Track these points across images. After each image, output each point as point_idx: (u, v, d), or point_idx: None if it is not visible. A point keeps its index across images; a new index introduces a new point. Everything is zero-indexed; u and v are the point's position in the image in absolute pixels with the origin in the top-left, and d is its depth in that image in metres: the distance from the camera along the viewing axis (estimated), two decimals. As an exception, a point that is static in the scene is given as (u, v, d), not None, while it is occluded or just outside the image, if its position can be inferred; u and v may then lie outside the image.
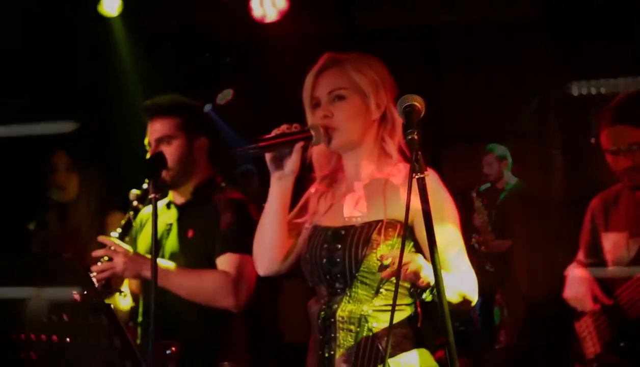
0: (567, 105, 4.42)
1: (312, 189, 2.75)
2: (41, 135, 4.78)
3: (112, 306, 2.18)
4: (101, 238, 3.26)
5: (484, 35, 4.59)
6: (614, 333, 3.57)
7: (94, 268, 3.20)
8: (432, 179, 2.41)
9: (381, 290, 2.48)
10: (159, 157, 3.03)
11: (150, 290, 3.21)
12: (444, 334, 2.05)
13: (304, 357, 2.63)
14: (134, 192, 3.37)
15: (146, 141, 3.52)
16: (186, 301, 3.32)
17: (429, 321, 2.47)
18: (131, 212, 3.35)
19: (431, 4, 4.70)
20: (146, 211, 3.53)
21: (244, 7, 5.01)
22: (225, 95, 4.38)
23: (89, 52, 5.23)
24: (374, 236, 2.48)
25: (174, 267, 3.32)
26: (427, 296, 2.31)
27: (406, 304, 2.52)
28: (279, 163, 2.62)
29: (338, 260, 2.50)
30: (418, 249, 2.50)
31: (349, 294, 2.50)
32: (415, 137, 2.13)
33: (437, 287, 2.08)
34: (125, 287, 3.56)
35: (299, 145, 2.58)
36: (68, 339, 2.33)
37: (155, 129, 3.47)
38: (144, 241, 3.49)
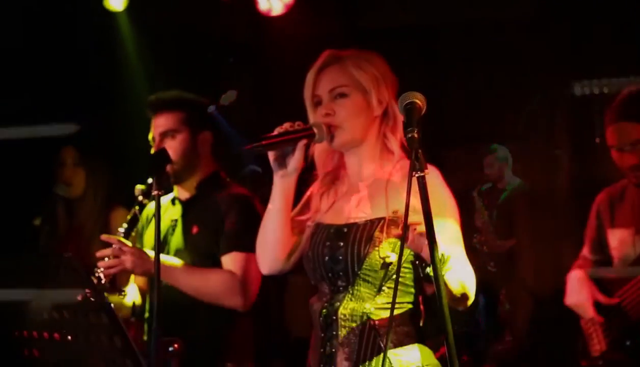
0: (571, 103, 4.41)
1: (315, 187, 2.74)
2: (48, 131, 4.80)
3: (112, 304, 2.19)
4: (105, 237, 3.26)
5: (485, 35, 4.57)
6: (619, 331, 3.56)
7: (101, 264, 3.20)
8: (433, 175, 2.41)
9: (383, 288, 2.47)
10: (162, 153, 3.02)
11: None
12: (444, 334, 2.05)
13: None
14: (139, 187, 3.38)
15: (150, 136, 3.52)
16: (193, 298, 3.32)
17: (431, 318, 2.45)
18: (137, 207, 3.36)
19: (434, 3, 4.68)
20: (152, 207, 3.53)
21: (250, 1, 5.01)
22: (229, 97, 4.37)
23: (94, 47, 5.24)
24: (376, 233, 2.47)
25: (181, 264, 3.33)
26: (431, 270, 2.26)
27: (408, 302, 2.50)
28: (281, 161, 2.61)
29: (340, 258, 2.50)
30: None
31: (351, 291, 2.50)
32: (415, 135, 2.12)
33: (437, 285, 2.07)
34: (132, 284, 3.56)
35: (301, 143, 2.57)
36: (69, 337, 2.34)
37: (159, 124, 3.48)
38: (150, 237, 3.49)
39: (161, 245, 3.46)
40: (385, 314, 2.45)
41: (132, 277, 3.59)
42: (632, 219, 3.65)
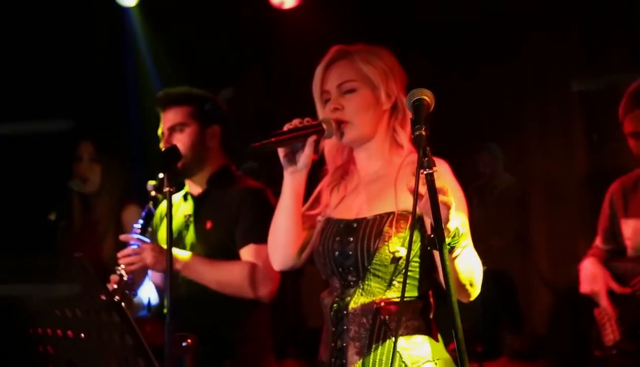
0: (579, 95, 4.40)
1: (325, 182, 2.75)
2: (60, 126, 4.83)
3: (123, 304, 2.21)
4: (124, 237, 3.29)
5: (491, 30, 4.56)
6: (633, 321, 3.56)
7: (122, 261, 3.24)
8: (442, 169, 2.38)
9: (394, 282, 2.47)
10: (173, 150, 3.04)
11: (176, 283, 3.28)
12: (454, 329, 2.05)
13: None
14: (151, 183, 3.40)
15: (159, 131, 3.55)
16: (209, 290, 3.34)
17: (442, 312, 2.45)
18: (150, 203, 3.37)
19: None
20: (165, 204, 3.55)
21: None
22: (226, 94, 4.39)
23: (106, 42, 5.25)
24: (386, 228, 2.47)
25: (202, 258, 3.35)
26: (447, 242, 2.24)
27: (418, 296, 2.51)
28: (291, 158, 2.61)
29: (350, 253, 2.50)
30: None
31: (361, 286, 2.50)
32: (423, 132, 2.11)
33: (446, 281, 2.07)
34: (148, 281, 3.58)
35: (311, 140, 2.57)
36: (82, 335, 2.36)
37: (168, 118, 3.51)
38: (164, 234, 3.51)
39: (175, 241, 3.48)
40: (396, 308, 2.45)
41: (148, 273, 3.61)
42: None
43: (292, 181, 2.63)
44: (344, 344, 2.50)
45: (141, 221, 3.35)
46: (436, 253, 2.32)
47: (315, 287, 2.77)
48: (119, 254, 3.26)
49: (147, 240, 3.29)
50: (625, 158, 4.14)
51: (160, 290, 3.59)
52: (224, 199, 3.46)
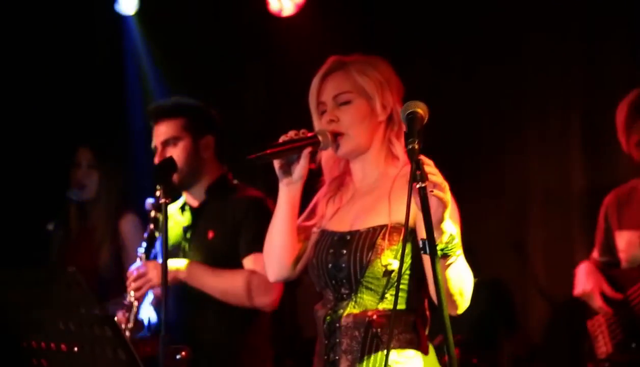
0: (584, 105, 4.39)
1: (321, 193, 2.76)
2: (62, 134, 4.84)
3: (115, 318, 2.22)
4: (131, 269, 3.33)
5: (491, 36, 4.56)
6: (626, 334, 3.56)
7: (130, 287, 3.30)
8: None
9: (386, 295, 2.48)
10: (169, 161, 3.04)
11: (178, 295, 3.29)
12: (446, 345, 2.05)
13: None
14: (150, 201, 3.39)
15: (152, 145, 3.54)
16: (210, 300, 3.35)
17: (436, 326, 2.44)
18: (152, 225, 3.37)
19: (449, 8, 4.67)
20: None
21: (261, 2, 5.02)
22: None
23: (106, 49, 5.26)
24: (379, 241, 2.47)
25: (206, 267, 3.36)
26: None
27: (410, 309, 2.50)
28: (287, 169, 2.61)
29: (343, 265, 2.51)
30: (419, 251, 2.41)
31: (354, 299, 2.51)
32: (416, 146, 2.11)
33: (438, 296, 2.07)
34: (146, 300, 3.57)
35: (306, 151, 2.57)
36: (76, 349, 2.37)
37: (160, 132, 3.50)
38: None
39: (175, 252, 3.49)
40: (388, 321, 2.45)
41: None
42: (639, 221, 3.65)
43: (288, 193, 2.63)
44: (337, 357, 2.50)
45: (144, 244, 3.36)
46: (427, 263, 2.32)
47: (312, 297, 2.76)
48: (128, 280, 3.29)
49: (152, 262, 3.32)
50: (622, 168, 4.15)
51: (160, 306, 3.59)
52: (224, 208, 3.47)
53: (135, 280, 3.31)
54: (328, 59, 2.70)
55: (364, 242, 2.49)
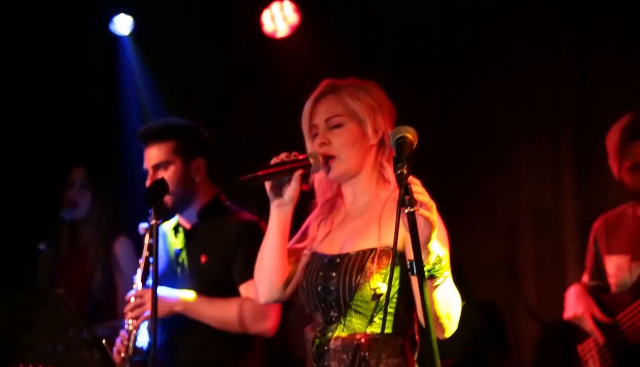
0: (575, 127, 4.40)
1: (313, 215, 2.77)
2: (56, 154, 4.85)
3: (104, 341, 2.21)
4: (129, 295, 3.32)
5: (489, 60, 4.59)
6: (616, 358, 3.56)
7: (128, 317, 3.28)
8: None
9: (375, 319, 2.48)
10: (160, 183, 3.04)
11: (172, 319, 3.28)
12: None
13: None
14: (143, 226, 3.37)
15: (144, 168, 3.53)
16: (201, 326, 3.34)
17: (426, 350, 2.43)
18: (146, 252, 3.34)
19: (443, 31, 4.69)
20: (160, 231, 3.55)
21: (255, 24, 5.05)
22: None
23: (101, 70, 5.28)
24: (368, 264, 2.48)
25: (201, 298, 3.35)
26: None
27: (399, 333, 2.51)
28: (278, 191, 2.63)
29: (332, 288, 2.52)
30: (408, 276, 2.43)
31: (343, 322, 2.51)
32: (405, 171, 2.12)
33: (426, 319, 2.07)
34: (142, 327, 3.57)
35: (297, 174, 2.59)
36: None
37: (151, 156, 3.49)
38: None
39: (168, 275, 3.48)
40: (377, 345, 2.45)
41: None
42: (628, 245, 3.67)
43: (279, 214, 2.64)
44: (325, 381, 2.50)
45: (140, 271, 3.34)
46: (416, 286, 2.32)
47: (303, 319, 2.77)
48: (125, 308, 3.29)
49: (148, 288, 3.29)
50: (613, 191, 4.17)
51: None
52: (217, 232, 3.45)
53: (132, 310, 3.31)
54: (321, 82, 2.73)
55: (353, 265, 2.50)
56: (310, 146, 2.70)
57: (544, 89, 4.53)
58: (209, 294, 3.39)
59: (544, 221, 4.52)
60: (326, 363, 2.51)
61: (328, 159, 2.61)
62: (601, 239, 3.79)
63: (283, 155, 2.61)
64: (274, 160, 2.60)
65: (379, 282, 2.45)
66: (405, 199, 2.12)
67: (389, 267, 2.45)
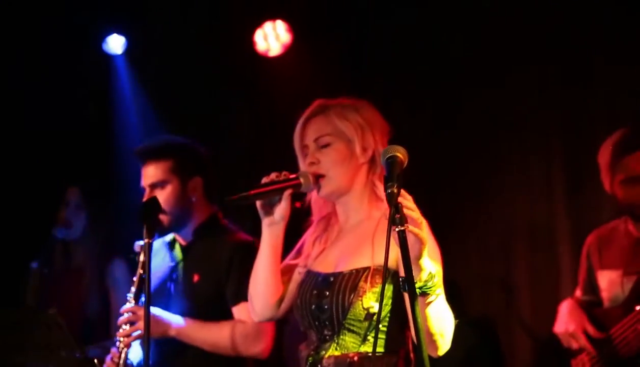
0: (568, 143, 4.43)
1: (309, 232, 2.79)
2: (49, 173, 4.85)
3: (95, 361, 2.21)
4: (123, 309, 3.29)
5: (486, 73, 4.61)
6: (608, 368, 3.58)
7: (119, 334, 3.25)
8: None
9: (368, 338, 2.48)
10: (152, 202, 3.04)
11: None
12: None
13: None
14: (139, 244, 3.35)
15: (141, 186, 3.52)
16: (194, 348, 3.34)
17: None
18: (141, 270, 3.31)
19: (436, 49, 4.72)
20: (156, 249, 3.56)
21: (248, 43, 5.07)
22: None
23: (94, 89, 5.29)
24: (361, 283, 2.49)
25: (193, 322, 3.34)
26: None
27: (392, 351, 2.51)
28: (269, 210, 2.66)
29: (326, 307, 2.53)
30: (401, 294, 2.44)
31: (336, 341, 2.52)
32: (395, 190, 2.13)
33: (417, 336, 2.08)
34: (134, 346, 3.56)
35: (287, 193, 2.63)
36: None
37: (148, 175, 3.48)
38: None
39: (161, 291, 3.48)
40: (369, 363, 2.45)
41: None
42: (621, 260, 3.69)
43: (270, 233, 2.68)
44: (319, 398, 2.51)
45: (133, 289, 3.32)
46: (408, 304, 2.33)
47: (298, 336, 2.77)
48: (119, 322, 3.26)
49: (142, 306, 3.27)
50: (606, 206, 4.18)
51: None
52: (211, 251, 3.44)
53: (124, 324, 3.28)
54: (313, 102, 2.75)
55: (347, 284, 2.51)
56: (303, 165, 2.73)
57: (535, 106, 4.54)
58: (201, 312, 3.39)
59: (537, 236, 4.53)
60: (319, 381, 2.51)
61: (318, 178, 2.64)
62: (593, 254, 3.81)
63: (273, 175, 2.65)
64: (264, 180, 2.64)
65: (372, 301, 2.46)
66: (396, 218, 2.13)
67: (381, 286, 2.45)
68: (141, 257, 3.33)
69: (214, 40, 5.13)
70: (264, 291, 2.71)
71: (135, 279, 3.32)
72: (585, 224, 4.17)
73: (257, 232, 2.78)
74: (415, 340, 2.22)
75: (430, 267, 2.26)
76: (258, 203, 2.65)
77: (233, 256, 3.39)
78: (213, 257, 3.43)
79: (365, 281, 2.48)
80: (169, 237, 3.60)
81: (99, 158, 5.11)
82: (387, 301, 2.48)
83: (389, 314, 2.49)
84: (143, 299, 3.30)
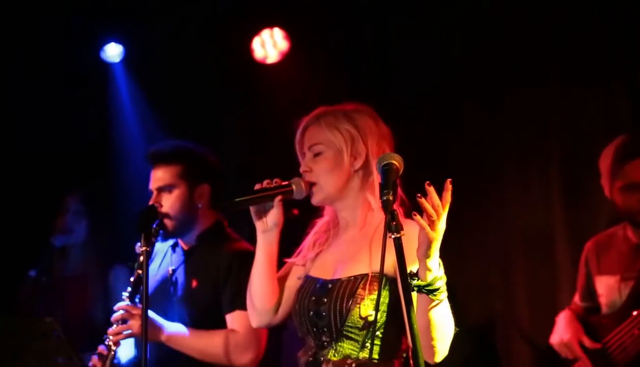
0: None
1: (310, 234, 2.81)
2: (48, 181, 4.86)
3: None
4: (117, 306, 3.29)
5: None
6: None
7: (110, 331, 3.25)
8: (415, 232, 2.37)
9: (366, 344, 2.49)
10: (150, 210, 3.05)
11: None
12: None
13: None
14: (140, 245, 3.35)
15: (149, 188, 3.50)
16: (188, 358, 3.34)
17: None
18: (139, 270, 3.28)
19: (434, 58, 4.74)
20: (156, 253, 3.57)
21: (246, 50, 5.08)
22: None
23: (92, 97, 5.30)
24: (359, 290, 2.49)
25: (185, 330, 3.34)
26: (418, 281, 2.24)
27: (391, 358, 2.51)
28: (262, 217, 2.71)
29: (324, 314, 2.53)
30: (399, 300, 2.43)
31: (334, 347, 2.53)
32: (391, 198, 2.14)
33: (414, 347, 2.08)
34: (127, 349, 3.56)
35: (277, 200, 2.68)
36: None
37: (157, 178, 3.46)
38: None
39: (160, 291, 3.48)
40: None
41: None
42: (619, 266, 3.71)
43: (264, 240, 2.72)
44: (317, 404, 2.51)
45: (129, 288, 3.32)
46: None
47: (296, 342, 2.78)
48: (113, 319, 3.26)
49: (137, 306, 3.27)
50: (603, 213, 4.19)
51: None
52: (211, 259, 3.44)
53: (117, 322, 3.27)
54: (311, 109, 2.78)
55: (344, 291, 2.51)
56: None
57: (533, 114, 4.55)
58: (197, 318, 3.39)
59: (535, 244, 4.53)
60: (317, 387, 2.51)
61: (311, 185, 2.68)
62: (592, 260, 3.83)
63: (265, 182, 2.69)
64: (257, 187, 2.69)
65: (370, 309, 2.46)
66: (392, 225, 2.13)
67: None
68: (141, 258, 3.33)
69: (212, 47, 5.15)
70: (260, 297, 2.75)
71: (132, 279, 3.32)
72: (584, 232, 4.18)
73: (254, 240, 2.80)
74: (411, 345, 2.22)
75: (436, 269, 2.25)
76: (252, 210, 2.69)
77: (232, 264, 3.39)
78: (212, 264, 3.43)
79: (364, 288, 2.49)
80: (170, 240, 3.60)
81: (98, 164, 5.12)
82: (384, 308, 2.48)
83: (385, 321, 2.49)
84: (137, 300, 3.30)
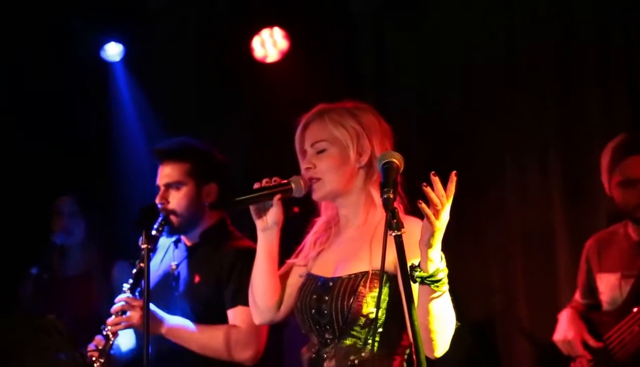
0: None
1: (311, 233, 2.82)
2: (47, 181, 4.86)
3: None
4: (118, 298, 3.30)
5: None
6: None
7: (108, 322, 3.25)
8: (417, 229, 2.37)
9: (368, 341, 2.50)
10: (151, 208, 3.06)
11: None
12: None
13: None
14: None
15: (156, 184, 3.50)
16: (189, 352, 3.35)
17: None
18: (141, 264, 3.29)
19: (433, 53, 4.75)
20: (160, 248, 3.58)
21: (246, 49, 5.09)
22: None
23: (91, 96, 5.31)
24: (360, 288, 2.50)
25: (187, 324, 3.35)
26: (421, 272, 2.24)
27: (393, 353, 2.52)
28: (262, 215, 2.72)
29: (326, 312, 2.54)
30: (399, 297, 2.44)
31: (337, 344, 2.54)
32: (391, 195, 2.15)
33: (415, 344, 2.10)
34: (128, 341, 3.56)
35: (276, 198, 2.69)
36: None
37: (165, 174, 3.46)
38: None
39: (163, 285, 3.49)
40: (370, 365, 2.47)
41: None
42: (619, 263, 3.73)
43: (264, 238, 2.74)
44: (320, 401, 2.52)
45: (131, 280, 3.33)
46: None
47: (299, 339, 2.79)
48: (112, 310, 3.27)
49: (137, 298, 3.28)
50: (604, 210, 4.20)
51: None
52: (214, 255, 3.45)
53: (115, 315, 3.28)
54: (312, 107, 2.78)
55: (345, 289, 2.52)
56: (302, 168, 2.75)
57: (533, 113, 4.56)
58: (199, 313, 3.40)
59: (535, 241, 4.53)
60: (321, 383, 2.53)
61: (313, 181, 2.69)
62: (592, 257, 3.85)
63: (265, 181, 2.71)
64: (256, 186, 2.70)
65: (372, 307, 2.47)
66: (393, 223, 2.14)
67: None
68: (144, 252, 3.33)
69: (212, 47, 5.16)
70: (262, 294, 2.76)
71: (134, 271, 3.33)
72: (583, 231, 4.19)
73: (255, 237, 2.81)
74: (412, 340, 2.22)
75: (438, 261, 2.25)
76: (252, 209, 2.70)
77: (235, 261, 3.40)
78: (215, 261, 3.44)
79: (365, 286, 2.50)
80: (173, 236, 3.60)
81: (98, 164, 5.13)
82: (385, 305, 2.49)
83: (386, 318, 2.50)
84: (137, 293, 3.31)
